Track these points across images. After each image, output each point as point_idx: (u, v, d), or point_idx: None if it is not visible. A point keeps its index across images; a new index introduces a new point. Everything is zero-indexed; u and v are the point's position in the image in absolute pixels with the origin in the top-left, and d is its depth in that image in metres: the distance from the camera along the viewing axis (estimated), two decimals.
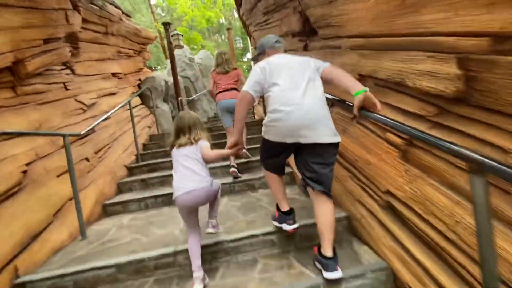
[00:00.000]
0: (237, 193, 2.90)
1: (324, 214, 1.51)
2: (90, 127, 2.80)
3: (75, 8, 3.30)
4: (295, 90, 1.50)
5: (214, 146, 1.77)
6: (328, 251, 1.47)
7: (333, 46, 2.22)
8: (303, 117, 1.45)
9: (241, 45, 11.12)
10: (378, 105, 1.39)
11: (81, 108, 3.34)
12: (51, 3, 2.79)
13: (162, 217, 2.58)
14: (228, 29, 11.14)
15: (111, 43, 4.51)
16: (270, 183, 1.83)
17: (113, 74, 4.61)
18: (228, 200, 2.73)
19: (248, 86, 1.59)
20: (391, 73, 1.52)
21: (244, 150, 3.11)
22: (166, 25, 6.82)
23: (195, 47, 13.10)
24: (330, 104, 1.84)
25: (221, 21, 24.79)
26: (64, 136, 2.23)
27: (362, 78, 1.83)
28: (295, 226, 1.70)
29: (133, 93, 5.30)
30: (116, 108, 3.76)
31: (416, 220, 1.39)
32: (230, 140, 1.73)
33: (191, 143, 1.67)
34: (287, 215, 1.73)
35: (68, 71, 3.32)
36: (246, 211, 2.39)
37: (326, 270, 1.45)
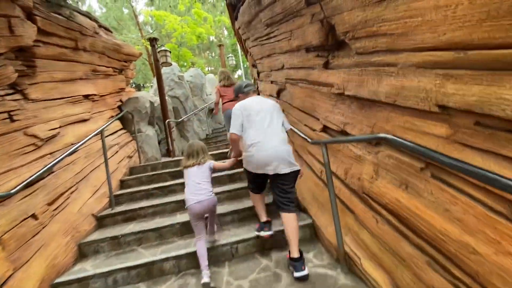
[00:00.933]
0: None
1: (290, 223, 1.87)
2: (32, 177, 2.01)
3: (30, 17, 2.59)
4: (262, 134, 1.98)
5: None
6: (295, 253, 1.80)
7: (380, 63, 1.58)
8: (268, 156, 1.94)
9: (234, 62, 10.64)
10: None
11: (34, 144, 2.54)
12: None
13: None
14: (219, 45, 10.67)
15: (84, 60, 3.78)
16: (254, 201, 2.31)
17: (86, 97, 3.86)
18: None
19: (234, 129, 2.05)
20: None
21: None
22: (152, 41, 6.20)
23: (185, 64, 12.56)
24: (375, 143, 1.68)
25: (211, 38, 24.68)
26: None
27: (446, 112, 1.17)
28: (269, 233, 2.10)
29: (112, 117, 4.53)
30: (86, 139, 2.99)
31: None
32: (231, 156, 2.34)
33: (199, 164, 2.12)
34: (265, 224, 2.15)
35: (17, 96, 2.55)
36: None
37: (296, 270, 1.77)
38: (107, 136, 4.22)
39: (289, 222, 1.87)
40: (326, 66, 2.29)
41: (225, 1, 5.13)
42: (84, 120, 3.68)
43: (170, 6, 12.62)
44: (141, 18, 14.79)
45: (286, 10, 2.62)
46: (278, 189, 1.98)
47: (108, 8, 14.16)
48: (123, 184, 3.77)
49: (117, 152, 4.18)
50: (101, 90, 4.38)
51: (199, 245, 1.99)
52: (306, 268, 1.77)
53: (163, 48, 6.15)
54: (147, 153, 5.32)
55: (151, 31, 14.59)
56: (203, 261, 1.93)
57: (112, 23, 11.63)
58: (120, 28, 12.18)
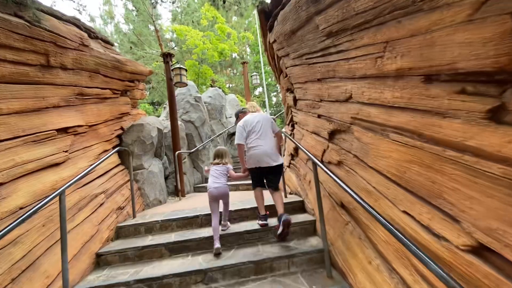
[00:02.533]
0: None
1: (277, 198, 2.74)
2: None
3: None
4: (258, 139, 2.84)
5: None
6: (281, 210, 2.64)
7: None
8: (261, 155, 2.79)
9: (258, 81, 9.60)
10: None
11: None
12: None
13: None
14: (243, 63, 9.73)
15: (62, 81, 2.76)
16: (256, 198, 2.94)
17: (64, 130, 2.80)
18: None
19: (239, 139, 2.90)
20: None
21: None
22: (167, 56, 5.23)
23: (205, 82, 11.75)
24: None
25: (234, 55, 24.31)
26: None
27: None
28: (264, 222, 2.82)
29: (105, 152, 3.46)
30: (43, 201, 1.86)
31: None
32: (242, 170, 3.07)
33: (222, 164, 2.94)
34: (262, 216, 2.86)
35: None
36: None
37: (279, 219, 2.58)
38: (94, 180, 3.12)
39: (277, 196, 2.77)
40: (496, 116, 1.01)
41: (255, 8, 4.04)
42: (55, 165, 2.59)
43: (193, 22, 12.03)
44: (167, 35, 14.48)
45: (386, 3, 1.39)
46: (268, 178, 2.86)
47: (135, 25, 13.96)
48: (99, 260, 2.58)
49: (101, 205, 3.04)
50: (92, 118, 3.34)
51: (214, 221, 2.67)
52: (290, 217, 2.56)
53: (178, 66, 5.16)
54: (148, 196, 4.17)
55: (173, 47, 14.13)
56: (216, 233, 2.61)
57: (132, 38, 11.23)
58: (140, 44, 11.70)
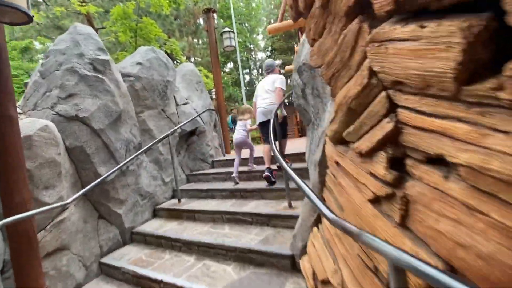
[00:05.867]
0: None
1: (265, 150, 3.26)
2: None
3: None
4: (264, 98, 3.39)
5: None
6: (267, 165, 3.19)
7: None
8: (264, 111, 3.30)
9: (232, 44, 5.82)
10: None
11: None
12: None
13: None
14: (207, 10, 5.77)
15: None
16: (264, 152, 3.27)
17: None
18: None
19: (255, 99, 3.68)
20: None
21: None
22: None
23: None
24: None
25: (199, 21, 19.68)
26: None
27: None
28: (267, 173, 3.13)
29: None
30: None
31: None
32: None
33: (243, 120, 3.86)
34: (266, 169, 3.17)
35: None
36: None
37: (264, 173, 3.16)
38: None
39: (266, 149, 3.26)
40: None
41: None
42: None
43: None
44: None
45: None
46: (264, 131, 3.36)
47: None
48: None
49: None
50: None
51: (236, 161, 3.67)
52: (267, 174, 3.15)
53: None
54: None
55: None
56: (236, 168, 3.62)
57: None
58: None
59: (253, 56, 28.00)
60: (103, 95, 2.85)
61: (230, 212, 2.86)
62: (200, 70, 8.43)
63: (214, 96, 11.16)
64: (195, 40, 19.64)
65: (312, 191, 1.57)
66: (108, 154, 2.88)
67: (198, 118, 4.62)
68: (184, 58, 8.41)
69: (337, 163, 1.53)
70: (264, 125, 3.29)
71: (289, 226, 2.47)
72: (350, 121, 1.28)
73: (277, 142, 3.10)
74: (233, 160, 4.06)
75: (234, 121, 9.84)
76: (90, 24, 7.61)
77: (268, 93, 3.34)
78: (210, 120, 5.10)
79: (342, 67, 1.23)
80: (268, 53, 26.68)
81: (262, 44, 28.12)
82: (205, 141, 4.73)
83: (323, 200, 1.48)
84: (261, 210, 2.73)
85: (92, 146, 2.72)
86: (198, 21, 20.24)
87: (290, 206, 2.64)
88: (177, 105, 4.40)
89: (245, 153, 4.09)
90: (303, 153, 3.38)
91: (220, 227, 2.81)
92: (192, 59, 18.43)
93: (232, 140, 5.02)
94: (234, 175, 3.56)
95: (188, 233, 2.78)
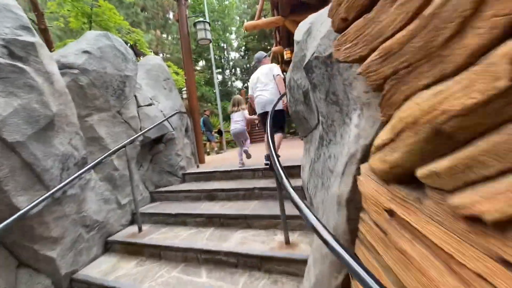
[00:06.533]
0: None
1: (277, 139, 3.30)
2: None
3: None
4: (260, 90, 3.42)
5: None
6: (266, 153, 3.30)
7: None
8: (264, 102, 3.33)
9: (208, 37, 5.08)
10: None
11: None
12: None
13: None
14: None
15: None
16: (277, 140, 3.30)
17: None
18: None
19: (250, 92, 3.67)
20: None
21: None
22: None
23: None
24: None
25: (168, 15, 18.37)
26: None
27: None
28: (267, 161, 3.27)
29: None
30: None
31: None
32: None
33: (238, 111, 3.83)
34: (267, 156, 3.32)
35: None
36: None
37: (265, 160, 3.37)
38: None
39: (278, 138, 3.33)
40: None
41: None
42: None
43: None
44: None
45: None
46: (271, 121, 2.83)
47: None
48: None
49: None
50: None
51: (239, 150, 3.97)
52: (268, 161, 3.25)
53: None
54: None
55: None
56: (240, 155, 3.90)
57: None
58: None
59: (226, 55, 27.15)
60: (23, 93, 1.99)
61: (208, 251, 2.17)
62: (169, 66, 7.51)
63: (185, 96, 10.17)
64: (164, 35, 18.30)
65: (339, 243, 0.99)
66: (32, 177, 2.02)
67: (166, 123, 3.84)
68: (151, 52, 7.41)
69: (390, 212, 0.95)
70: (266, 115, 3.11)
71: (290, 273, 1.86)
72: (435, 152, 0.69)
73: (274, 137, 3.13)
74: (209, 172, 3.86)
75: (205, 124, 9.04)
76: (35, 7, 6.35)
77: (267, 83, 3.36)
78: (180, 125, 4.32)
79: (424, 59, 0.63)
80: (242, 53, 26.06)
81: (235, 44, 27.39)
82: (175, 150, 3.95)
83: (358, 259, 0.89)
84: (249, 248, 2.08)
85: (3, 168, 1.85)
86: (167, 15, 18.93)
87: (287, 242, 2.04)
88: (138, 106, 3.57)
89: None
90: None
91: (194, 272, 2.11)
92: (161, 55, 17.10)
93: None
94: (240, 161, 3.90)
95: (151, 283, 2.04)
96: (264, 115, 3.33)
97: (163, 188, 3.77)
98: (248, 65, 25.44)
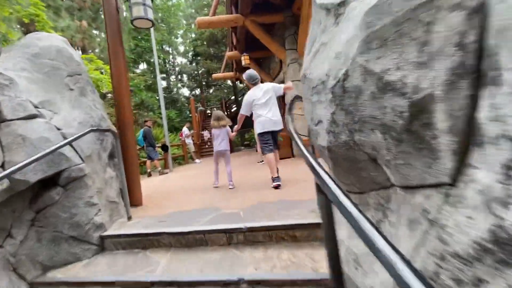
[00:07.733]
0: None
1: (276, 156, 3.48)
2: None
3: None
4: (265, 107, 3.39)
5: None
6: (275, 174, 3.30)
7: None
8: (269, 121, 3.35)
9: (147, 16, 3.55)
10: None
11: None
12: None
13: None
14: None
15: None
16: (269, 161, 3.32)
17: None
18: None
19: (243, 111, 3.56)
20: None
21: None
22: None
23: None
24: None
25: (100, 10, 15.40)
26: None
27: None
28: (278, 182, 3.26)
29: None
30: None
31: None
32: (235, 128, 3.76)
33: (220, 127, 3.72)
34: (275, 178, 3.29)
35: None
36: None
37: (273, 182, 3.29)
38: None
39: (276, 156, 3.51)
40: None
41: None
42: None
43: None
44: None
45: None
46: (273, 140, 3.42)
47: None
48: None
49: None
50: None
51: (215, 169, 3.94)
52: (280, 181, 3.30)
53: None
54: None
55: None
56: (216, 176, 3.95)
57: None
58: None
59: (171, 60, 24.69)
60: None
61: None
62: (91, 60, 5.44)
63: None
64: (96, 32, 15.26)
65: None
66: None
67: (66, 150, 2.13)
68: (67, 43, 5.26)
69: None
70: (272, 133, 3.43)
71: None
72: None
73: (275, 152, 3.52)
74: (149, 234, 2.26)
75: (146, 137, 7.11)
76: None
77: (274, 102, 3.46)
78: (99, 149, 2.62)
79: None
80: (190, 59, 24.02)
81: (182, 48, 25.20)
82: (84, 196, 2.24)
83: None
84: None
85: None
86: (100, 9, 15.94)
87: None
88: (2, 121, 1.81)
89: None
90: None
91: None
92: (90, 53, 14.05)
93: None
94: (216, 184, 3.93)
95: None
96: (268, 133, 3.43)
97: (58, 270, 2.01)
98: (196, 72, 23.52)
